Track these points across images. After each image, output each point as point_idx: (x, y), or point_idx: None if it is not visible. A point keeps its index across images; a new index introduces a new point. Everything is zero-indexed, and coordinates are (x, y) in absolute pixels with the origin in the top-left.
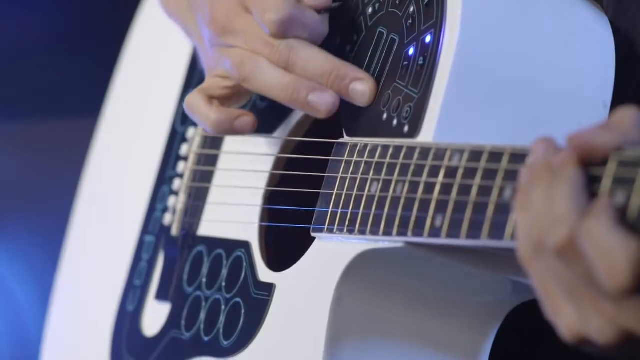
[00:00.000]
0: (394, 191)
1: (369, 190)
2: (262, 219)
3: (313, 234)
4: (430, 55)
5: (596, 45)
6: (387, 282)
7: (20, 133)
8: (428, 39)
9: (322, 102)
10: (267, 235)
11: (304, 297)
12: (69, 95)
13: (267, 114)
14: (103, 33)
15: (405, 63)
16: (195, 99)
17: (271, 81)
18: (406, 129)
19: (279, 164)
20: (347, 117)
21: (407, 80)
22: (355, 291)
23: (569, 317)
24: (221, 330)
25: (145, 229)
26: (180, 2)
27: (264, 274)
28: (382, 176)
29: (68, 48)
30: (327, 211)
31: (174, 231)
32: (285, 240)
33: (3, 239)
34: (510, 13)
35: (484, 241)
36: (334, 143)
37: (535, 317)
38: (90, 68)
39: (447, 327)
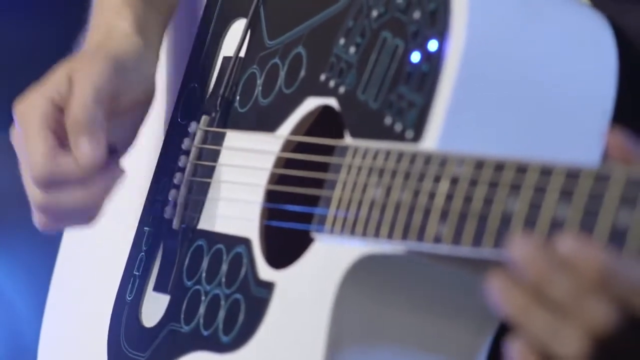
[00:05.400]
0: (397, 197)
1: (371, 195)
2: (262, 216)
3: (313, 235)
4: (434, 63)
5: (599, 54)
6: (387, 285)
7: None
8: (433, 46)
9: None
10: (268, 233)
11: (304, 297)
12: None
13: (269, 111)
14: None
15: (410, 69)
16: None
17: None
18: (410, 134)
19: (280, 162)
20: (351, 118)
21: (412, 86)
22: (356, 293)
23: None
24: (220, 326)
25: (144, 221)
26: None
27: (265, 271)
28: (385, 182)
29: (67, 56)
30: (328, 213)
31: (175, 225)
32: (286, 238)
33: (2, 248)
34: (516, 22)
35: (486, 251)
36: (335, 144)
37: None
38: None
39: (447, 330)
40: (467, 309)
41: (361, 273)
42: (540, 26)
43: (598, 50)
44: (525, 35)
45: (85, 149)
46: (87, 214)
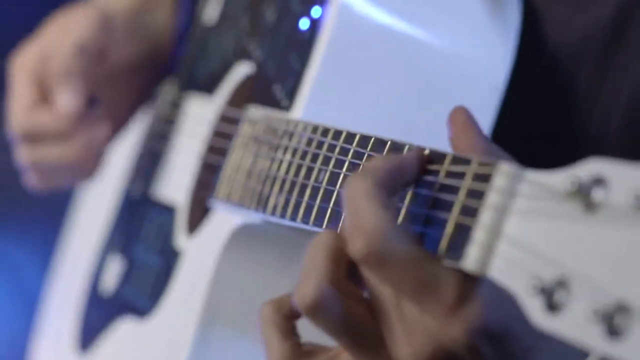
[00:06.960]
0: (260, 167)
1: (246, 164)
2: (195, 185)
3: (209, 203)
4: (315, 30)
5: (496, 27)
6: (263, 260)
7: None
8: (316, 12)
9: None
10: (194, 201)
11: (193, 268)
12: None
13: (215, 76)
14: None
15: (299, 36)
16: None
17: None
18: (286, 102)
19: (214, 132)
20: (257, 85)
21: (297, 53)
22: (233, 267)
23: None
24: (146, 292)
25: (126, 190)
26: None
27: (180, 240)
28: (255, 150)
29: None
30: (218, 181)
31: (134, 192)
32: (206, 208)
33: (15, 221)
34: None
35: (300, 224)
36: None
37: None
38: None
39: None
40: None
41: (239, 244)
42: None
43: (496, 22)
44: (407, 7)
45: (60, 99)
46: (76, 171)
